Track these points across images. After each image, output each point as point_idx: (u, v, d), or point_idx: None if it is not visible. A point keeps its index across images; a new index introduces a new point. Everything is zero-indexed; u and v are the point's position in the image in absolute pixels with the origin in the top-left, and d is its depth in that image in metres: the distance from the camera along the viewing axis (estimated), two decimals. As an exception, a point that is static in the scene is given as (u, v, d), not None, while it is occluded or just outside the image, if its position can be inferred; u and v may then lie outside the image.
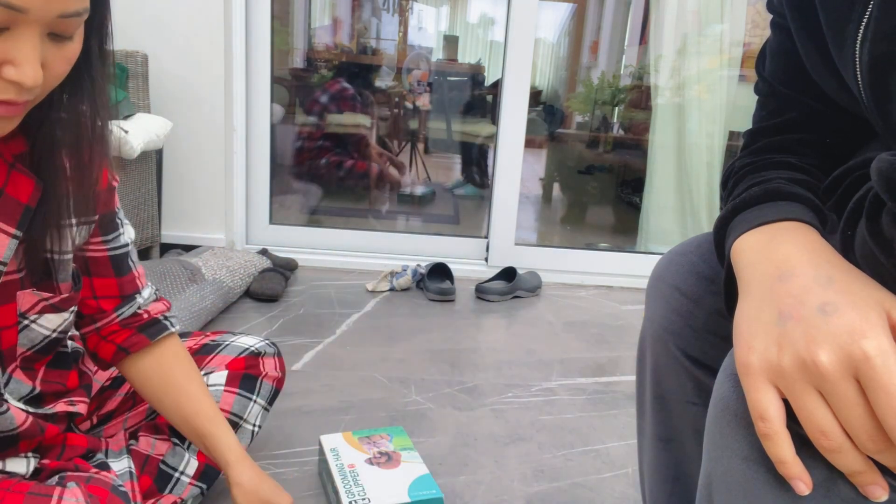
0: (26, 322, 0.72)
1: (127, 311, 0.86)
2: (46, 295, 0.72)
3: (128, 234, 0.86)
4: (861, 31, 0.49)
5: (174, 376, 0.88)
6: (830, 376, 0.38)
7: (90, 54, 0.63)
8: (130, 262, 0.86)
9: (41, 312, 0.73)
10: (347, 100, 3.31)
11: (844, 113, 0.60)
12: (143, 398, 0.91)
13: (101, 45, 0.64)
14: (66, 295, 0.74)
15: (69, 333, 0.81)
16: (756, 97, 0.70)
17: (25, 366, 0.75)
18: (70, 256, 0.74)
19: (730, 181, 0.64)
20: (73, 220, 0.73)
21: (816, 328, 0.40)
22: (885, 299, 0.40)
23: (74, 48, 0.58)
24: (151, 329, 0.87)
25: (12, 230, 0.64)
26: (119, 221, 0.84)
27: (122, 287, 0.85)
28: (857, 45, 0.49)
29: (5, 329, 0.70)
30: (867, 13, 0.48)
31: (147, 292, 0.89)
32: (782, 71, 0.65)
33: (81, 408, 0.83)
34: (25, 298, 0.70)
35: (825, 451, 0.39)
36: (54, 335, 0.76)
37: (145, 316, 0.87)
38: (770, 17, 0.67)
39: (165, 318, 0.90)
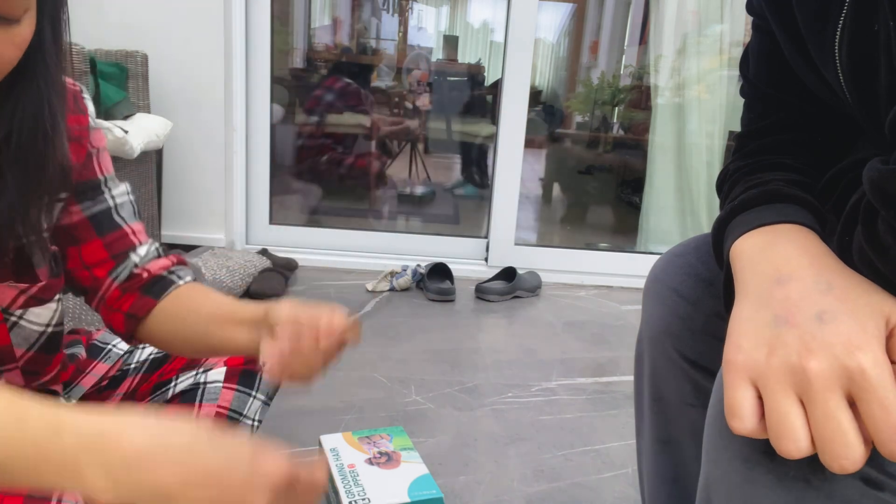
0: (13, 319, 0.70)
1: (122, 272, 0.77)
2: (23, 286, 0.69)
3: (118, 190, 0.79)
4: (838, 32, 0.48)
5: (194, 304, 0.77)
6: (818, 384, 0.38)
7: (43, 42, 0.61)
8: (118, 218, 0.78)
9: (25, 307, 0.70)
10: (350, 96, 3.31)
11: (832, 110, 0.60)
12: (177, 354, 0.83)
13: (55, 34, 0.62)
14: (44, 283, 0.71)
15: (64, 325, 0.78)
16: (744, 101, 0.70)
17: (29, 368, 0.74)
18: (43, 237, 0.70)
19: (725, 184, 0.63)
20: (46, 199, 0.69)
21: (812, 335, 0.40)
22: (885, 303, 0.40)
23: (23, 32, 0.56)
24: (155, 288, 0.78)
25: None
26: (104, 189, 0.77)
27: (109, 247, 0.76)
28: (836, 47, 0.49)
29: None
30: (842, 15, 0.48)
31: (145, 249, 0.79)
32: (766, 72, 0.65)
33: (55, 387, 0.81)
34: (4, 293, 0.68)
35: (785, 454, 0.39)
36: (50, 329, 0.75)
37: (145, 275, 0.78)
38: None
39: (171, 272, 0.79)
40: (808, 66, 0.57)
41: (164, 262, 0.81)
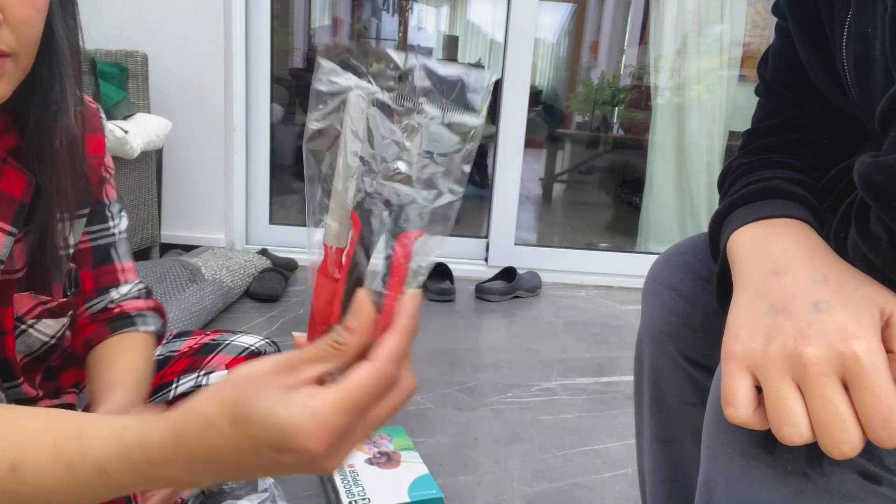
0: (23, 327, 0.71)
1: (97, 304, 0.81)
2: (45, 298, 0.70)
3: (121, 224, 0.82)
4: (845, 31, 0.49)
5: (108, 354, 0.78)
6: (814, 370, 0.39)
7: (53, 30, 0.60)
8: (114, 254, 0.81)
9: (39, 317, 0.71)
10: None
11: (841, 114, 0.61)
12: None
13: (70, 18, 0.62)
14: (65, 299, 0.73)
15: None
16: (757, 99, 0.71)
17: (26, 375, 0.75)
18: (65, 254, 0.73)
19: (727, 180, 0.64)
20: (67, 215, 0.72)
21: (808, 324, 0.40)
22: (879, 295, 0.41)
23: None
24: (117, 323, 0.81)
25: (7, 227, 0.64)
26: (109, 214, 0.80)
27: (97, 279, 0.80)
28: (843, 46, 0.50)
29: (5, 335, 0.69)
30: (849, 14, 0.49)
31: (126, 288, 0.83)
32: (783, 72, 0.66)
33: (68, 398, 0.82)
34: (23, 301, 0.69)
35: (787, 441, 0.39)
36: (53, 342, 0.75)
37: (116, 310, 0.81)
38: (774, 21, 0.67)
39: (140, 314, 0.83)
40: (821, 66, 0.57)
41: (140, 303, 0.84)
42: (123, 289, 0.83)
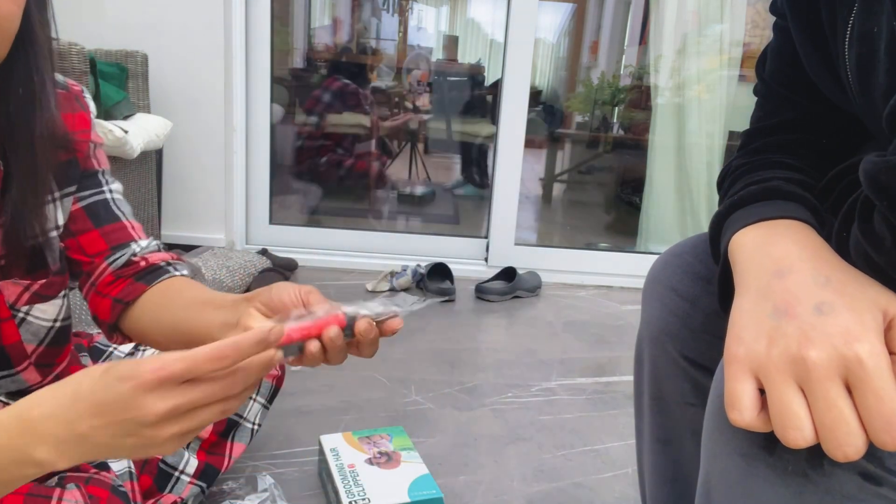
0: (21, 315, 0.71)
1: (119, 259, 0.76)
2: (25, 282, 0.70)
3: (113, 185, 0.79)
4: (848, 31, 0.49)
5: (178, 293, 0.74)
6: (818, 373, 0.38)
7: (31, 24, 0.61)
8: (120, 213, 0.79)
9: (30, 303, 0.71)
10: (350, 95, 3.31)
11: (841, 114, 0.61)
12: (152, 346, 0.80)
13: (42, 12, 0.63)
14: (46, 280, 0.72)
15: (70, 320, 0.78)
16: (756, 99, 0.71)
17: (42, 362, 0.74)
18: (55, 234, 0.72)
19: (726, 181, 0.64)
20: (57, 194, 0.71)
21: (811, 326, 0.40)
22: (881, 297, 0.41)
23: None
24: (149, 276, 0.76)
25: None
26: (102, 181, 0.78)
27: (107, 237, 0.77)
28: (846, 45, 0.50)
29: (2, 322, 0.69)
30: (853, 14, 0.49)
31: (146, 243, 0.79)
32: (782, 72, 0.65)
33: None
34: (9, 289, 0.68)
35: (791, 444, 0.39)
36: (58, 324, 0.75)
37: (143, 264, 0.77)
38: (773, 20, 0.67)
39: (168, 264, 0.79)
40: (821, 65, 0.57)
41: (164, 255, 0.80)
42: (143, 243, 0.79)
